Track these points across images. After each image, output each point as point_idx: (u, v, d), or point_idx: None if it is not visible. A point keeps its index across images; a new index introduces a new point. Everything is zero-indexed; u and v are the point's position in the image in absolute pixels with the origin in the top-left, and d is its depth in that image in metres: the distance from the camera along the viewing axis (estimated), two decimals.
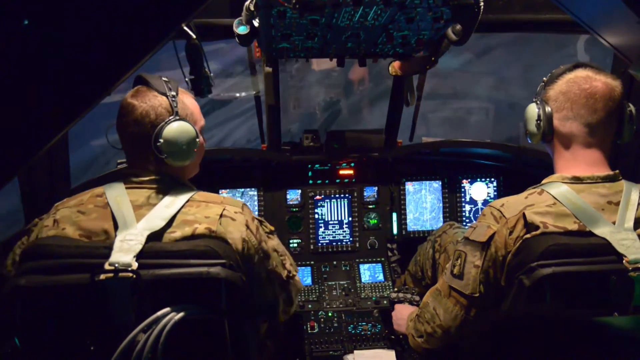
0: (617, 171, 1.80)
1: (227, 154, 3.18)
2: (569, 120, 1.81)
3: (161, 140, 1.68)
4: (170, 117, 1.71)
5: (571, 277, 1.58)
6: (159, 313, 1.47)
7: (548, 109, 1.84)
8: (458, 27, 1.91)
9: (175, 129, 1.70)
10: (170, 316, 1.47)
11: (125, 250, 1.50)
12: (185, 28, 1.94)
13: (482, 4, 1.69)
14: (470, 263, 1.81)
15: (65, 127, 1.25)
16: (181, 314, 1.48)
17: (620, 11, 1.07)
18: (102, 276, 1.45)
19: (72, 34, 1.07)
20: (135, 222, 1.58)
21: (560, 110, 1.82)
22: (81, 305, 1.49)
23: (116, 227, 1.58)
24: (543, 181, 1.85)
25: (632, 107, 1.83)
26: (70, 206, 1.66)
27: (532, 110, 1.89)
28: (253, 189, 3.25)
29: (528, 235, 1.66)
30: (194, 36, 1.99)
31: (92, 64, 1.11)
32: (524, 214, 1.69)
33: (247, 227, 1.72)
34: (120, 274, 1.45)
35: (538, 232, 1.64)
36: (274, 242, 1.91)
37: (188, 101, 1.84)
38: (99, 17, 1.05)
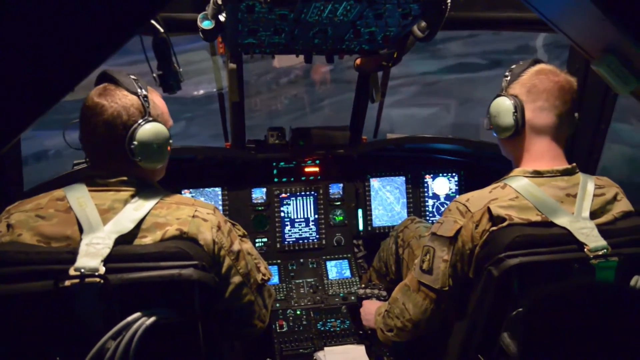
0: (574, 164, 1.87)
1: (190, 152, 3.10)
2: (545, 111, 1.85)
3: (135, 143, 1.62)
4: (142, 118, 1.65)
5: (537, 266, 1.64)
6: (129, 318, 1.42)
7: (519, 101, 1.86)
8: (423, 24, 1.93)
9: (149, 130, 1.64)
10: (141, 321, 1.43)
11: (91, 255, 1.43)
12: (153, 22, 1.87)
13: (449, 1, 1.72)
14: (439, 258, 1.84)
15: (24, 128, 1.18)
16: (152, 319, 1.44)
17: (585, 8, 1.12)
18: (67, 282, 1.38)
19: (34, 28, 1.01)
20: (101, 225, 1.51)
21: (535, 102, 1.85)
22: (45, 314, 1.42)
23: (81, 231, 1.51)
24: (506, 176, 1.90)
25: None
26: (27, 210, 1.57)
27: (504, 103, 1.87)
28: (217, 188, 3.19)
29: (495, 228, 1.70)
30: (162, 30, 1.92)
31: (56, 61, 1.04)
32: (488, 208, 1.73)
33: (219, 228, 1.68)
34: (87, 280, 1.39)
35: (505, 224, 1.69)
36: (247, 246, 1.87)
37: (157, 100, 1.78)
38: (65, 11, 0.99)
